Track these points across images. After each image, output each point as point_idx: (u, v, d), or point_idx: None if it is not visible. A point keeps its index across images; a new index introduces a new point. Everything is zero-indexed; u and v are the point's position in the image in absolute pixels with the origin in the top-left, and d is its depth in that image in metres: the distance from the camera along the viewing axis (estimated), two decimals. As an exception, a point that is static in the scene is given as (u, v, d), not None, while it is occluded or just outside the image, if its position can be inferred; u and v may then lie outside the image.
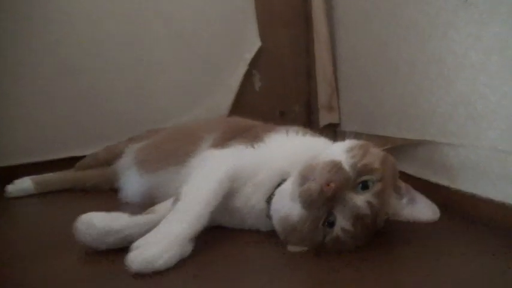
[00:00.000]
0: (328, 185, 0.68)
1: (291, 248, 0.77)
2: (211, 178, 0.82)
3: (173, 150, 1.06)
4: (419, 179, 1.05)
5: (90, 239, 0.74)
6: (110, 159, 1.34)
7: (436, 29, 0.99)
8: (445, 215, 0.75)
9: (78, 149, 1.50)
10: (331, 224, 0.71)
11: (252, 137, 0.92)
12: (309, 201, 0.70)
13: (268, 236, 0.82)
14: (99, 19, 1.50)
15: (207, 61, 1.65)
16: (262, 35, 1.69)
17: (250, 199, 0.84)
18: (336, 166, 0.71)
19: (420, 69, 1.06)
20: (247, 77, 1.73)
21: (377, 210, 0.71)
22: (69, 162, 1.43)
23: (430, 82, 1.02)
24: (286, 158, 0.83)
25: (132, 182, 1.16)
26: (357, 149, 0.76)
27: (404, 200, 0.77)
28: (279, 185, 0.81)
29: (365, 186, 0.72)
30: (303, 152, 0.82)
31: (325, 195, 0.68)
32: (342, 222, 0.70)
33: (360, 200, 0.70)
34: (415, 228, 0.79)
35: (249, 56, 1.70)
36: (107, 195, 1.25)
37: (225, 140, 0.95)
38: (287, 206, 0.75)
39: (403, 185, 0.78)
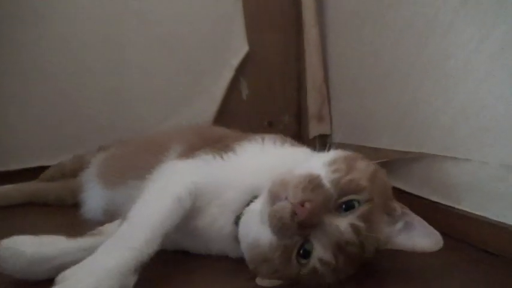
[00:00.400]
0: (302, 206, 0.55)
1: (260, 281, 0.64)
2: (166, 194, 0.69)
3: (134, 162, 0.93)
4: (416, 197, 0.92)
5: (17, 268, 0.61)
6: (76, 169, 1.21)
7: (434, 31, 0.88)
8: (447, 242, 0.62)
9: (46, 158, 1.37)
10: (307, 254, 0.58)
11: (222, 146, 0.79)
12: (279, 226, 0.57)
13: (237, 264, 0.69)
14: (73, 17, 1.39)
15: (190, 66, 1.53)
16: (250, 40, 1.57)
17: (216, 220, 0.71)
18: (313, 182, 0.58)
19: (417, 75, 0.94)
20: (234, 84, 1.61)
21: (364, 237, 0.58)
22: (35, 173, 1.30)
23: (428, 90, 0.91)
24: (260, 171, 0.70)
25: (93, 196, 1.03)
26: (340, 162, 0.63)
27: (399, 225, 0.64)
28: (250, 203, 0.68)
29: (349, 207, 0.59)
30: (280, 164, 0.68)
31: (298, 219, 0.55)
32: (320, 252, 0.57)
33: (343, 223, 0.57)
34: (410, 259, 0.66)
35: (235, 61, 1.58)
36: (69, 211, 1.12)
37: (193, 150, 0.82)
38: (256, 229, 0.62)
39: (397, 205, 0.64)
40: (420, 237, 0.62)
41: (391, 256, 0.67)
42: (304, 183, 0.57)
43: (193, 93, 1.54)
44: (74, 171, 1.22)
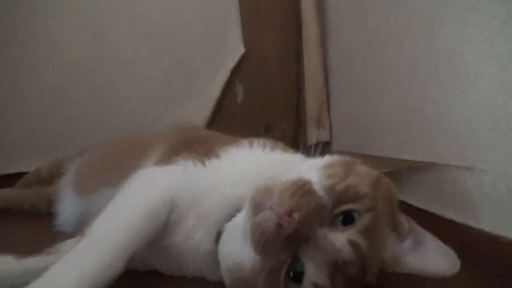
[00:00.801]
0: (289, 216, 0.45)
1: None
2: (138, 205, 0.59)
3: (110, 166, 0.83)
4: (426, 212, 0.81)
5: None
6: (53, 176, 1.11)
7: (448, 15, 0.77)
8: (462, 265, 0.51)
9: (29, 162, 1.27)
10: (298, 277, 0.48)
11: (205, 151, 0.69)
12: (262, 241, 0.47)
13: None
14: (61, 14, 1.30)
15: (183, 66, 1.44)
16: (247, 39, 1.48)
17: (193, 236, 0.61)
18: (302, 188, 0.48)
19: (427, 68, 0.84)
20: (229, 87, 1.51)
21: (365, 256, 0.48)
22: (16, 179, 1.21)
23: (440, 85, 0.80)
24: (245, 180, 0.60)
25: (67, 206, 0.93)
26: (337, 166, 0.53)
27: (408, 243, 0.53)
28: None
29: (347, 219, 0.49)
30: (270, 172, 0.58)
31: (285, 232, 0.45)
32: (314, 274, 0.47)
33: (340, 239, 0.47)
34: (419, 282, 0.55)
35: (231, 63, 1.49)
36: (41, 221, 1.02)
37: (174, 152, 0.72)
38: (237, 249, 0.52)
39: (404, 220, 0.54)
40: (432, 259, 0.51)
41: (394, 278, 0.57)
42: (292, 189, 0.48)
43: (186, 94, 1.45)
44: (51, 177, 1.12)
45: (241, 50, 1.49)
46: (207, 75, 1.47)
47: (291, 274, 0.48)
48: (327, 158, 0.57)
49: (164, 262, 0.65)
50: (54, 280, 0.48)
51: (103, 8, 1.34)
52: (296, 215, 0.45)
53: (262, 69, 1.53)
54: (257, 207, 0.49)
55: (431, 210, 0.81)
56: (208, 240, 0.60)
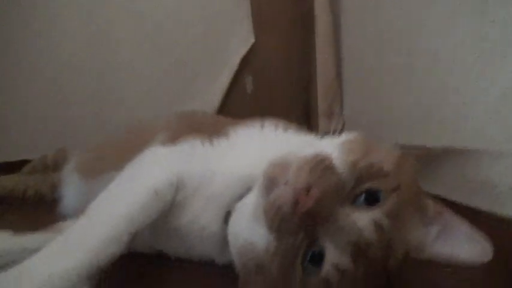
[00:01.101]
0: (307, 192, 0.41)
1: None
2: (141, 185, 0.56)
3: (115, 151, 0.81)
4: (448, 201, 0.76)
5: None
6: (59, 163, 1.09)
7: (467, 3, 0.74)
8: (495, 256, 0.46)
9: (30, 152, 1.25)
10: (317, 259, 0.44)
11: (213, 131, 0.66)
12: (277, 220, 0.43)
13: (225, 272, 0.55)
14: (61, 13, 1.28)
15: (189, 58, 1.40)
16: (256, 30, 1.45)
17: (200, 217, 0.58)
18: (322, 163, 0.44)
19: (448, 57, 0.80)
20: (238, 78, 1.48)
21: (390, 239, 0.44)
22: (19, 167, 1.19)
23: (464, 73, 0.76)
24: (256, 159, 0.56)
25: (71, 190, 0.91)
26: (358, 143, 0.49)
27: (434, 228, 0.49)
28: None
29: (371, 198, 0.45)
30: (281, 152, 0.55)
31: (302, 209, 0.41)
32: (335, 256, 0.43)
33: (363, 219, 0.43)
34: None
35: (240, 54, 1.45)
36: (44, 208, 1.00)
37: (179, 136, 0.69)
38: (248, 229, 0.49)
39: (430, 203, 0.50)
40: (462, 245, 0.47)
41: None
42: (310, 164, 0.44)
43: (193, 87, 1.42)
44: (56, 164, 1.10)
45: (251, 40, 1.46)
46: (215, 66, 1.44)
47: (309, 256, 0.44)
48: (346, 135, 0.53)
49: (170, 244, 0.62)
50: (54, 255, 0.45)
51: (104, 3, 1.31)
52: (315, 192, 0.41)
53: (273, 61, 1.50)
54: (271, 183, 0.45)
55: (453, 198, 0.77)
56: (216, 221, 0.57)
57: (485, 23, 0.70)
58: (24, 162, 1.21)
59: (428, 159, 0.85)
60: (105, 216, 0.51)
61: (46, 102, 1.29)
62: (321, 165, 0.44)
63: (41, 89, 1.28)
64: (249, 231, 0.48)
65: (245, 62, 1.46)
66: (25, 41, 1.25)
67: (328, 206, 0.42)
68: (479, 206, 0.72)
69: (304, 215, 0.41)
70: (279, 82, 1.51)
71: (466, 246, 0.47)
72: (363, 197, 0.45)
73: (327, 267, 0.43)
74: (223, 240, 0.55)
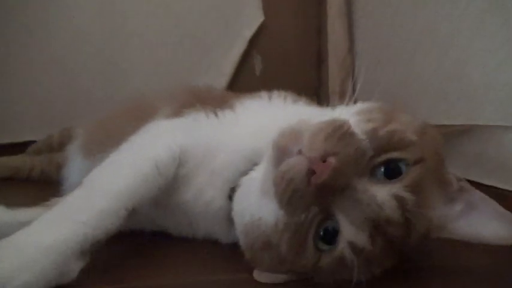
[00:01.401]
0: (324, 161, 0.37)
1: (259, 276, 0.47)
2: (142, 158, 0.53)
3: (117, 128, 0.77)
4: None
5: None
6: (64, 143, 1.07)
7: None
8: None
9: (36, 132, 1.24)
10: (331, 236, 0.40)
11: (219, 104, 0.62)
12: (288, 193, 0.39)
13: (230, 251, 0.52)
14: None
15: (197, 36, 1.36)
16: (266, 7, 1.39)
17: (203, 192, 0.55)
18: (340, 129, 0.40)
19: (470, 26, 0.75)
20: (246, 57, 1.43)
21: (411, 215, 0.40)
22: (24, 147, 1.18)
23: (488, 42, 0.71)
24: (263, 132, 0.52)
25: (74, 169, 0.89)
26: (376, 112, 0.45)
27: (458, 204, 0.45)
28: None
29: (392, 170, 0.41)
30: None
31: (318, 181, 0.37)
32: (351, 233, 0.39)
33: (383, 193, 0.39)
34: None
35: (248, 32, 1.40)
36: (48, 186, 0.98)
37: (183, 109, 0.66)
38: (256, 203, 0.45)
39: (453, 179, 0.46)
40: (487, 224, 0.43)
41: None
42: (326, 130, 0.39)
43: (200, 66, 1.38)
44: (61, 144, 1.08)
45: (260, 18, 1.40)
46: (223, 47, 1.39)
47: (321, 233, 0.40)
48: (363, 104, 0.49)
49: (173, 222, 0.59)
50: (47, 227, 0.43)
51: None
52: (332, 161, 0.37)
53: (282, 40, 1.45)
54: (282, 153, 0.41)
55: (471, 177, 0.72)
56: (221, 197, 0.53)
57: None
58: (29, 143, 1.21)
59: (446, 137, 0.80)
60: (102, 188, 0.48)
61: (53, 77, 1.26)
62: (338, 131, 0.39)
63: (50, 60, 1.25)
64: (256, 207, 0.45)
65: (254, 41, 1.41)
66: (33, 13, 1.22)
67: (345, 178, 0.38)
68: (496, 184, 0.67)
69: (319, 187, 0.37)
70: (289, 62, 1.46)
71: (492, 225, 0.43)
72: (382, 168, 0.41)
73: (342, 244, 0.39)
74: (228, 218, 0.52)
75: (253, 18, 1.40)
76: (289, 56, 1.46)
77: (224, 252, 0.54)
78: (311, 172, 0.37)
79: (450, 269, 0.48)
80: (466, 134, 0.76)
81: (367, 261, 0.40)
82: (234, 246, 0.51)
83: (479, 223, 0.43)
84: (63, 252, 0.41)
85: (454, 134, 0.79)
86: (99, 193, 0.47)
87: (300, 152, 0.39)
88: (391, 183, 0.40)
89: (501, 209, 0.43)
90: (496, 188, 0.68)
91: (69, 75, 1.28)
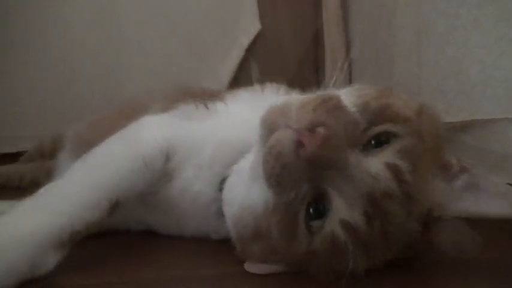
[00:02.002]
0: (312, 133, 0.35)
1: (251, 267, 0.44)
2: (128, 151, 0.51)
3: (109, 127, 0.75)
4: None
5: None
6: (55, 149, 1.05)
7: None
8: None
9: (31, 141, 1.21)
10: (321, 213, 0.38)
11: (210, 98, 0.60)
12: (277, 168, 0.37)
13: (220, 246, 0.49)
14: None
15: (194, 44, 1.36)
16: (263, 16, 1.40)
17: (192, 186, 0.52)
18: (328, 101, 0.38)
19: (467, 22, 0.73)
20: (244, 66, 1.42)
21: (410, 188, 0.37)
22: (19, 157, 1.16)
23: (485, 37, 0.70)
24: (254, 123, 0.50)
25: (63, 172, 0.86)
26: (369, 89, 0.43)
27: (460, 183, 0.42)
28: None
29: (384, 143, 0.38)
30: None
31: (306, 154, 0.35)
32: (343, 211, 0.37)
33: (375, 164, 0.37)
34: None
35: (245, 41, 1.40)
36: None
37: (174, 105, 0.64)
38: (244, 191, 0.43)
39: (454, 160, 0.44)
40: (491, 199, 0.41)
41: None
42: (315, 102, 0.38)
43: (197, 74, 1.37)
44: (53, 151, 1.06)
45: (256, 27, 1.40)
46: (220, 54, 1.39)
47: (311, 211, 0.38)
48: (354, 85, 0.47)
49: (161, 219, 0.56)
50: (22, 216, 0.40)
51: None
52: (321, 130, 0.35)
53: (279, 49, 1.44)
54: (270, 129, 0.39)
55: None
56: (210, 190, 0.51)
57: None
58: (24, 153, 1.19)
59: (447, 133, 0.78)
60: (82, 178, 0.46)
61: (48, 85, 1.25)
62: (327, 103, 0.37)
63: (44, 71, 1.24)
64: (245, 195, 0.42)
65: (251, 49, 1.41)
66: (26, 23, 1.22)
67: (336, 151, 0.36)
68: (507, 179, 0.64)
69: (308, 160, 0.35)
70: (286, 69, 1.45)
71: (495, 199, 0.41)
72: (374, 142, 0.38)
73: (333, 223, 0.36)
74: (218, 211, 0.49)
75: (250, 27, 1.40)
76: (287, 63, 1.45)
77: (213, 246, 0.52)
78: (299, 144, 0.35)
79: (451, 262, 0.45)
80: (467, 129, 0.74)
81: (364, 246, 0.36)
82: (224, 241, 0.48)
83: (483, 199, 0.41)
84: (38, 243, 0.39)
85: (456, 130, 0.76)
86: (79, 183, 0.45)
87: (288, 126, 0.37)
88: (382, 152, 0.37)
89: (503, 184, 0.41)
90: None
91: (65, 83, 1.26)
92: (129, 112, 0.78)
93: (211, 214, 0.51)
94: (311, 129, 0.35)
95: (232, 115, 0.55)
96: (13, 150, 1.22)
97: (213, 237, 0.53)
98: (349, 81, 1.23)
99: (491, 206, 0.40)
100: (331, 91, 0.44)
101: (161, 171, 0.52)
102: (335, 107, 0.38)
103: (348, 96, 0.41)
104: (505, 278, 0.47)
